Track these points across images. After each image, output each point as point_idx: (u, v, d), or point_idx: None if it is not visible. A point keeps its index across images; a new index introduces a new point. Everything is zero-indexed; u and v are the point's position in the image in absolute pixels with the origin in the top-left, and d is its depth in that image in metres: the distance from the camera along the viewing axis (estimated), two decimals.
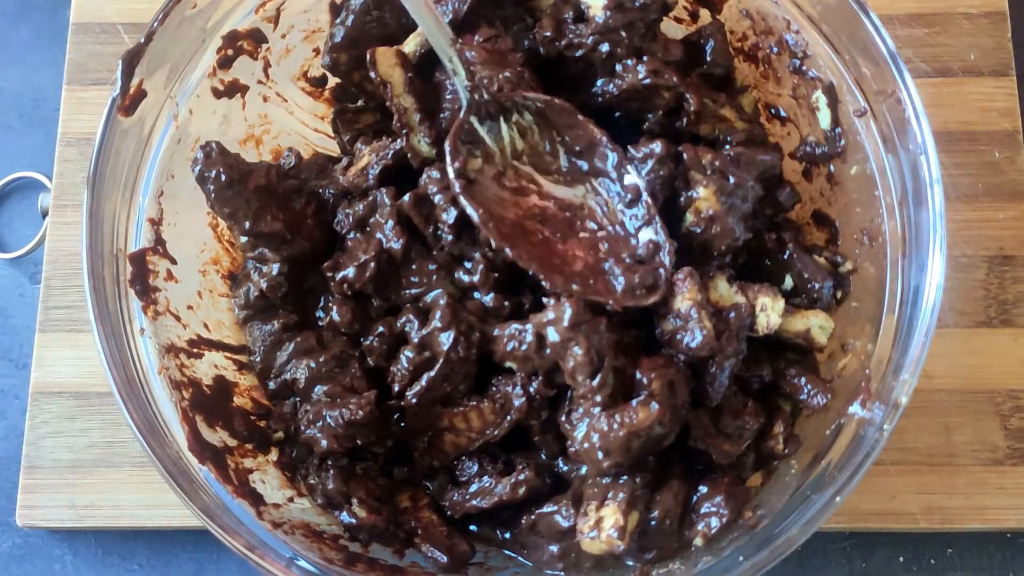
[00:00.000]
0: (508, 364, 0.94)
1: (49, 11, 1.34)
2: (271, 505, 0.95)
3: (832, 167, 1.02)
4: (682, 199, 0.96)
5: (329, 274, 1.02)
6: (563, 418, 0.93)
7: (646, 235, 0.95)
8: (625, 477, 0.90)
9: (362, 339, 1.01)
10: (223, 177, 0.97)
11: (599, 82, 1.01)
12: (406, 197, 0.99)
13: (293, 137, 1.12)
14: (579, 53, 1.00)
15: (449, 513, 0.99)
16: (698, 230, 0.95)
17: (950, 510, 1.10)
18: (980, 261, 1.17)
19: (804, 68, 1.01)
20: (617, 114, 1.03)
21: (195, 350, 1.00)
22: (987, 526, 1.11)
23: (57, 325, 1.16)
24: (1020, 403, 1.13)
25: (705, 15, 1.08)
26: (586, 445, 0.88)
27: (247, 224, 0.99)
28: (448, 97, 1.01)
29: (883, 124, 0.95)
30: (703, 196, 0.94)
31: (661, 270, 0.93)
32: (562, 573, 0.95)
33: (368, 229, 1.02)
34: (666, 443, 0.90)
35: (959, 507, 1.10)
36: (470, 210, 0.94)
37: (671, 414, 0.88)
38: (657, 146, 0.95)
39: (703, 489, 0.93)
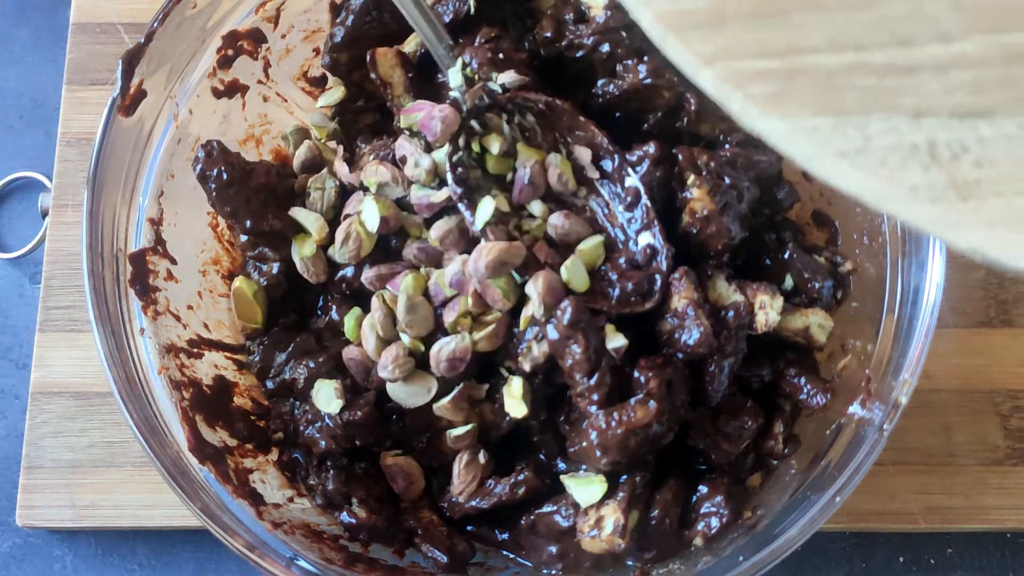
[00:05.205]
0: (507, 363, 0.94)
1: (49, 11, 1.33)
2: (271, 505, 0.95)
3: None
4: (678, 200, 0.96)
5: None
6: (562, 418, 0.93)
7: (644, 239, 0.95)
8: (625, 476, 0.90)
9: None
10: (224, 176, 0.97)
11: (599, 82, 1.01)
12: None
13: None
14: (580, 54, 0.99)
15: (448, 514, 0.99)
16: (694, 230, 0.95)
17: (950, 510, 1.10)
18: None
19: None
20: (617, 115, 1.03)
21: (195, 350, 1.00)
22: (987, 526, 1.11)
23: (57, 325, 1.16)
24: (1020, 403, 1.13)
25: None
26: (584, 443, 0.88)
27: (248, 223, 0.99)
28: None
29: None
30: (697, 196, 0.94)
31: (657, 275, 0.92)
32: (561, 573, 0.95)
33: None
34: (665, 442, 0.90)
35: (959, 507, 1.10)
36: (468, 215, 0.94)
37: (669, 413, 0.88)
38: (651, 147, 0.95)
39: (703, 489, 0.93)
